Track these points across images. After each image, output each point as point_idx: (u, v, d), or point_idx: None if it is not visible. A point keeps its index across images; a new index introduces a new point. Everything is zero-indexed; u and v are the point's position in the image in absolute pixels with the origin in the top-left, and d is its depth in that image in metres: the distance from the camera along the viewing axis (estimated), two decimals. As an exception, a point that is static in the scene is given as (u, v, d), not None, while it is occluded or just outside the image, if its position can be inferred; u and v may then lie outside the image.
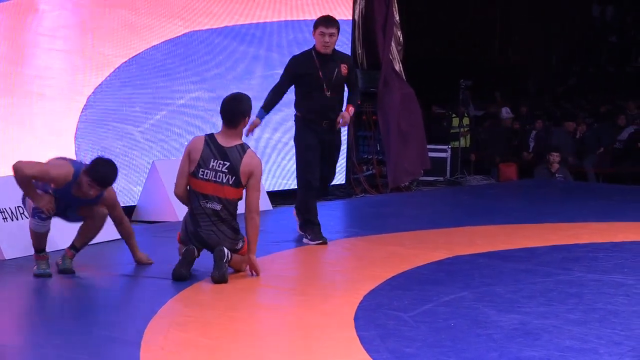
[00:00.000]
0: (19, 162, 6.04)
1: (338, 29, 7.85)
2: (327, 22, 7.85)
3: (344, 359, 4.73)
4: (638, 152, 16.27)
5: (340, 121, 7.87)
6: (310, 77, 7.79)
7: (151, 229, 8.83)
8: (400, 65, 12.82)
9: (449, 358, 4.64)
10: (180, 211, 9.17)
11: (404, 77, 12.83)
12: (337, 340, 5.04)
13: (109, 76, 9.26)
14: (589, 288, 6.41)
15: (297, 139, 8.01)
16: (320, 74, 7.78)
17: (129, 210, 9.18)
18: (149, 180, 9.41)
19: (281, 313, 5.58)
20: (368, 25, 12.49)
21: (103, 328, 5.14)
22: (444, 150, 14.69)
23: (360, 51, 12.57)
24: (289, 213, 8.53)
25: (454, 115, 15.68)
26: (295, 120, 8.07)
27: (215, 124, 9.62)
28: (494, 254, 7.22)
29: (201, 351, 4.77)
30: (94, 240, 6.72)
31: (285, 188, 11.23)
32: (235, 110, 6.43)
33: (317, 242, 7.83)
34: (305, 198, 7.97)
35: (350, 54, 12.20)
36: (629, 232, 9.03)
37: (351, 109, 7.93)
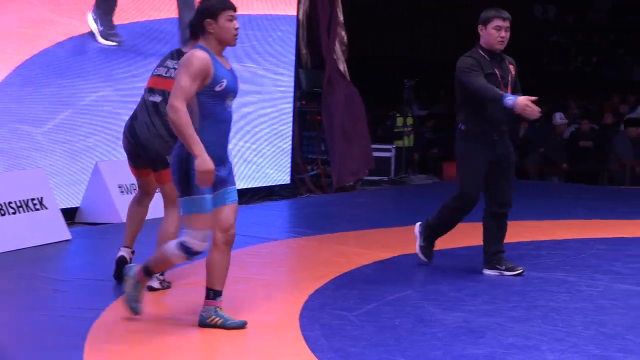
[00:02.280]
0: None
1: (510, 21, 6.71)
2: (502, 13, 6.69)
3: (289, 358, 4.74)
4: (580, 151, 16.46)
5: None
6: (492, 79, 6.61)
7: (94, 231, 8.76)
8: (345, 65, 12.84)
9: (393, 357, 4.67)
10: (123, 212, 9.13)
11: (348, 77, 12.86)
12: (282, 340, 5.05)
13: (8, 75, 8.76)
14: (532, 286, 6.48)
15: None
16: (499, 75, 6.70)
17: (70, 212, 9.10)
18: (91, 181, 9.31)
19: (226, 312, 5.56)
20: (312, 25, 12.50)
21: (47, 331, 5.09)
22: (388, 150, 14.74)
23: (304, 51, 12.58)
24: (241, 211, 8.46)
25: (397, 114, 15.75)
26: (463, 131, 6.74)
27: (122, 124, 9.42)
28: (438, 252, 7.26)
29: (146, 351, 4.75)
30: (36, 243, 6.63)
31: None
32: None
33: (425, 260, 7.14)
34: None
35: (294, 54, 12.24)
36: (570, 229, 9.15)
37: None
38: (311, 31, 12.55)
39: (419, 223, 7.17)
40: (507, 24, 6.65)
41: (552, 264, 7.36)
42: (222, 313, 5.15)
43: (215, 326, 5.10)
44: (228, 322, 5.12)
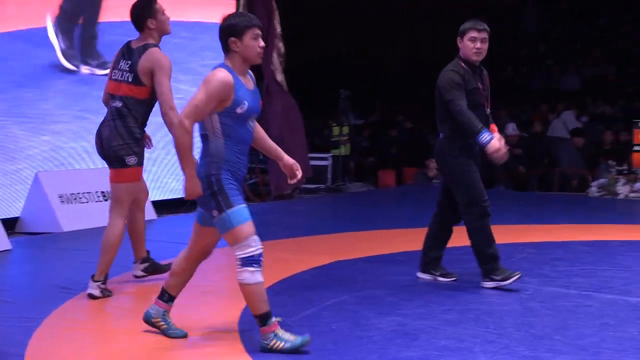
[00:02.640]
0: None
1: (488, 32, 6.66)
2: (478, 24, 6.63)
3: (229, 364, 4.75)
4: (511, 157, 16.66)
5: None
6: (475, 93, 6.59)
7: (35, 240, 8.66)
8: (282, 76, 12.87)
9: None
10: (64, 222, 9.04)
11: (285, 87, 12.88)
12: (222, 345, 5.04)
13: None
14: (465, 290, 6.55)
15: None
16: (481, 89, 6.65)
17: (10, 222, 8.98)
18: (31, 192, 9.22)
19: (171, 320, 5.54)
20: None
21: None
22: (325, 159, 14.79)
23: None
24: (174, 222, 8.45)
25: (334, 124, 15.82)
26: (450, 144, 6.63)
27: (8, 133, 9.38)
28: (374, 258, 7.31)
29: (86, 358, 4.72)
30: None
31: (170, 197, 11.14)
32: (135, 15, 6.37)
33: (513, 279, 6.56)
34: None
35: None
36: (502, 234, 9.23)
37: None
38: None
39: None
40: (482, 35, 6.57)
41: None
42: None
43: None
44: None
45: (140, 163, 6.27)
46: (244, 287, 4.82)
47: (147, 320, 5.18)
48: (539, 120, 17.81)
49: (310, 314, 5.69)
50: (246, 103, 4.87)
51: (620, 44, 22.33)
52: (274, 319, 4.88)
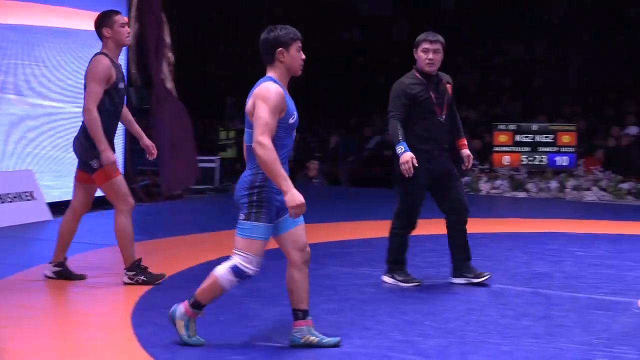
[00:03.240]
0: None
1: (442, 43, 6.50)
2: (430, 36, 6.52)
3: (122, 355, 4.67)
4: (384, 159, 16.90)
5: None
6: (426, 103, 6.45)
7: None
8: (172, 83, 12.73)
9: (219, 349, 4.68)
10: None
11: (175, 94, 12.75)
12: (115, 338, 4.97)
13: None
14: (343, 280, 6.60)
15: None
16: (434, 97, 6.46)
17: None
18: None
19: (58, 313, 5.43)
20: (141, 46, 12.35)
21: None
22: (213, 161, 14.71)
23: (134, 71, 12.40)
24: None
25: (221, 128, 15.75)
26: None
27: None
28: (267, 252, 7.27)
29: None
30: None
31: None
32: (95, 23, 6.33)
33: (413, 283, 6.52)
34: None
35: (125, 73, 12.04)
36: (376, 229, 9.37)
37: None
38: (140, 52, 12.39)
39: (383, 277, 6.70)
40: (435, 46, 6.41)
41: (360, 260, 7.51)
42: (315, 332, 4.86)
43: (311, 345, 4.79)
44: (324, 341, 4.83)
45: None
46: (215, 282, 4.84)
47: (297, 344, 4.86)
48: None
49: (200, 306, 5.64)
50: (295, 113, 4.75)
51: (482, 54, 22.89)
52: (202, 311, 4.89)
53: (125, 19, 6.51)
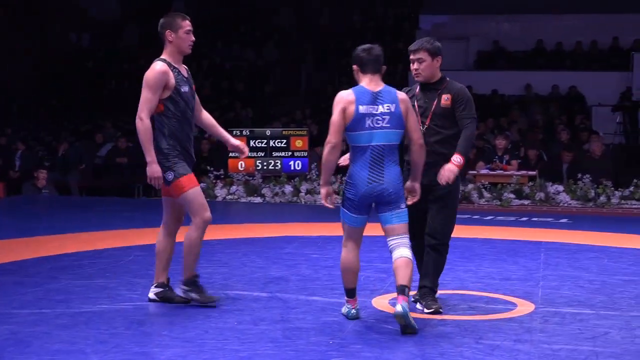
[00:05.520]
0: None
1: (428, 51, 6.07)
2: (411, 46, 6.16)
3: None
4: (116, 167, 16.65)
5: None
6: None
7: None
8: None
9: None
10: None
11: None
12: None
13: None
14: (76, 294, 6.42)
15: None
16: (417, 106, 6.07)
17: None
18: None
19: None
20: None
21: None
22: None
23: None
24: None
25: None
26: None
27: None
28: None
29: None
30: None
31: None
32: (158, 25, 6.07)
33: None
34: None
35: None
36: (109, 239, 9.21)
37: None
38: None
39: None
40: (417, 55, 6.04)
41: (94, 272, 7.35)
42: None
43: None
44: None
45: (180, 174, 5.91)
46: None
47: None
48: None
49: None
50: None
51: (215, 60, 23.12)
52: None
53: (191, 25, 6.09)
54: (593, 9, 21.52)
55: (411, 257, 5.48)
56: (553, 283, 7.10)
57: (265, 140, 14.95)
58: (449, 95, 6.05)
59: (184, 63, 6.20)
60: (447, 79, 6.16)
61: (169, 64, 5.99)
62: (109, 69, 23.61)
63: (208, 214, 5.94)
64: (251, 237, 9.72)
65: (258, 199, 14.41)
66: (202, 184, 14.83)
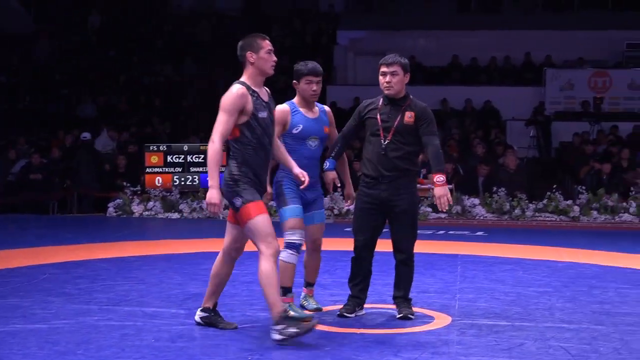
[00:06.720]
0: None
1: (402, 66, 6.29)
2: (386, 59, 6.32)
3: None
4: (30, 183, 16.33)
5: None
6: (370, 123, 6.33)
7: None
8: None
9: None
10: None
11: None
12: None
13: None
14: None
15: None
16: (380, 120, 6.25)
17: None
18: None
19: None
20: None
21: None
22: None
23: None
24: None
25: None
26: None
27: None
28: None
29: None
30: None
31: None
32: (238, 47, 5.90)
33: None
34: None
35: None
36: (22, 257, 9.02)
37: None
38: None
39: None
40: (392, 68, 6.22)
41: (7, 290, 7.19)
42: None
43: None
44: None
45: (247, 200, 5.61)
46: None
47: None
48: (57, 146, 17.68)
49: None
50: (300, 126, 6.31)
51: (132, 74, 22.89)
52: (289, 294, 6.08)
53: (271, 45, 5.82)
54: (506, 25, 22.01)
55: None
56: (470, 295, 7.20)
57: (183, 156, 14.85)
58: (412, 113, 6.22)
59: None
60: (411, 96, 6.34)
61: (248, 87, 5.73)
62: (24, 84, 23.17)
63: (276, 243, 5.61)
64: (169, 253, 9.63)
65: (176, 215, 14.30)
66: (118, 200, 14.70)
